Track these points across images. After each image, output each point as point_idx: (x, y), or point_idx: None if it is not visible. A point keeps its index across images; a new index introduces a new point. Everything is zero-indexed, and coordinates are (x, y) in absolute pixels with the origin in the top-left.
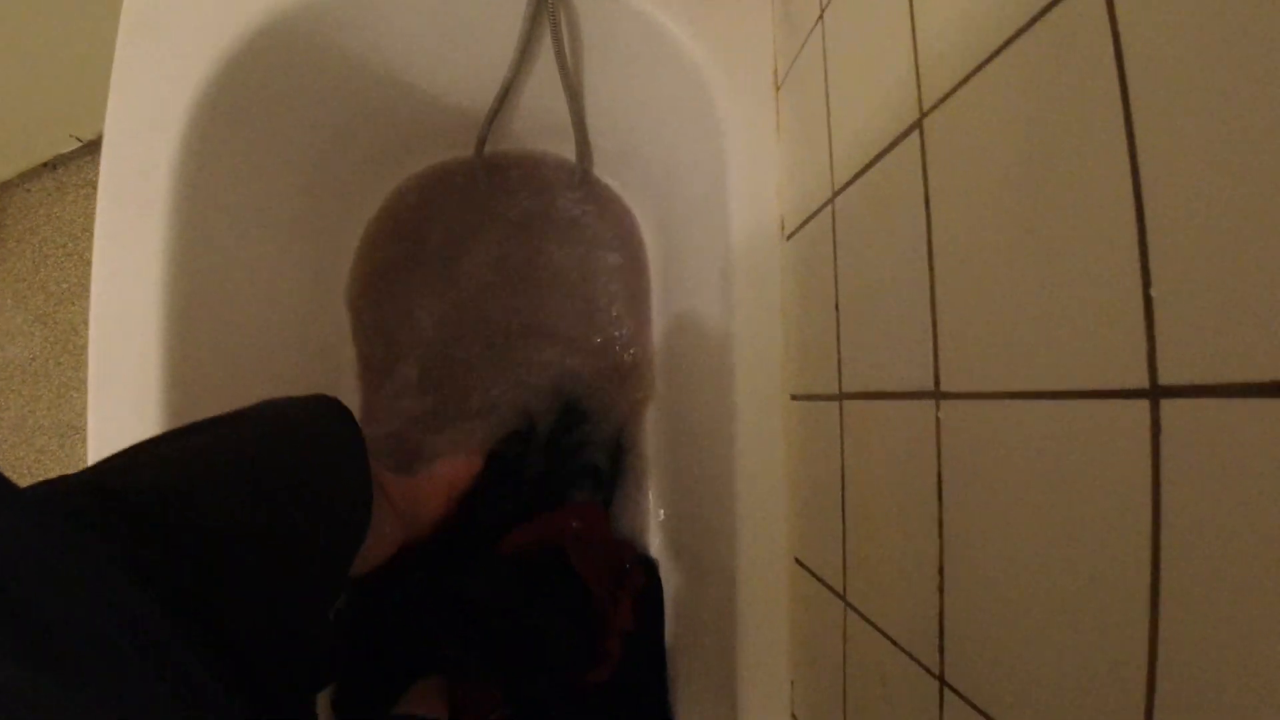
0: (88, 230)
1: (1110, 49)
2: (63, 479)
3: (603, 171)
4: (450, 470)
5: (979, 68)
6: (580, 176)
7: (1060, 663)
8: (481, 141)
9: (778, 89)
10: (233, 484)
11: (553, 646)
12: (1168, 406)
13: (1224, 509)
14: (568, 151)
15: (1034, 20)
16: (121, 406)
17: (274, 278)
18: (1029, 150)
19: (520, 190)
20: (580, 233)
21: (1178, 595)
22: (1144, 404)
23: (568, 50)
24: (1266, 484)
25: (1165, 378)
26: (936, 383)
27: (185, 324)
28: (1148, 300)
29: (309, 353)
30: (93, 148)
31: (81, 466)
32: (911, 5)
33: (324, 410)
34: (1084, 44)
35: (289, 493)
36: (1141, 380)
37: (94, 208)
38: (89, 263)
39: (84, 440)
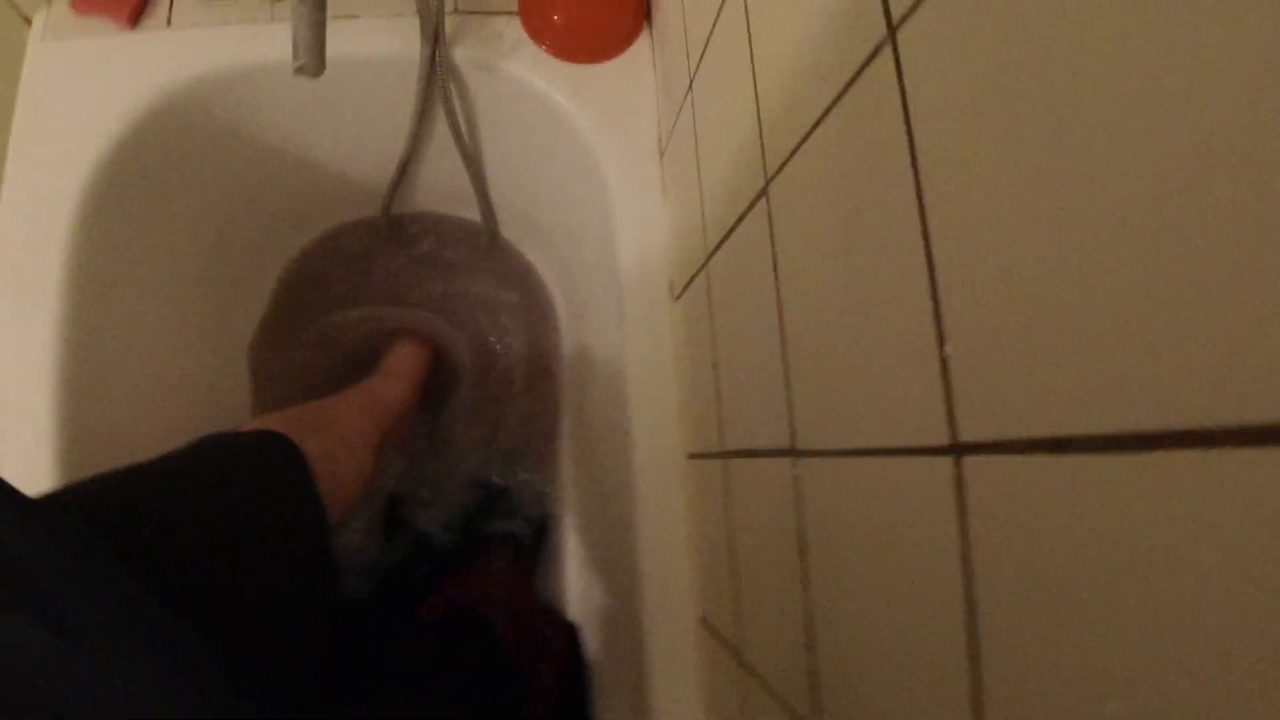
0: None
1: (901, 122)
2: (54, 493)
3: (509, 234)
4: (405, 360)
5: (806, 136)
6: (487, 240)
7: (907, 708)
8: (386, 208)
9: (662, 155)
10: (200, 498)
11: (472, 717)
12: (969, 463)
13: (1024, 560)
14: (474, 215)
15: (842, 93)
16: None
17: (174, 352)
18: (843, 217)
19: (429, 254)
20: (489, 296)
21: (994, 643)
22: (948, 460)
23: (462, 122)
24: (1055, 535)
25: (965, 435)
26: (793, 440)
27: (80, 399)
28: (943, 360)
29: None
30: None
31: None
32: (755, 75)
33: (266, 438)
34: (879, 112)
35: (250, 502)
36: (944, 438)
37: None
38: None
39: None
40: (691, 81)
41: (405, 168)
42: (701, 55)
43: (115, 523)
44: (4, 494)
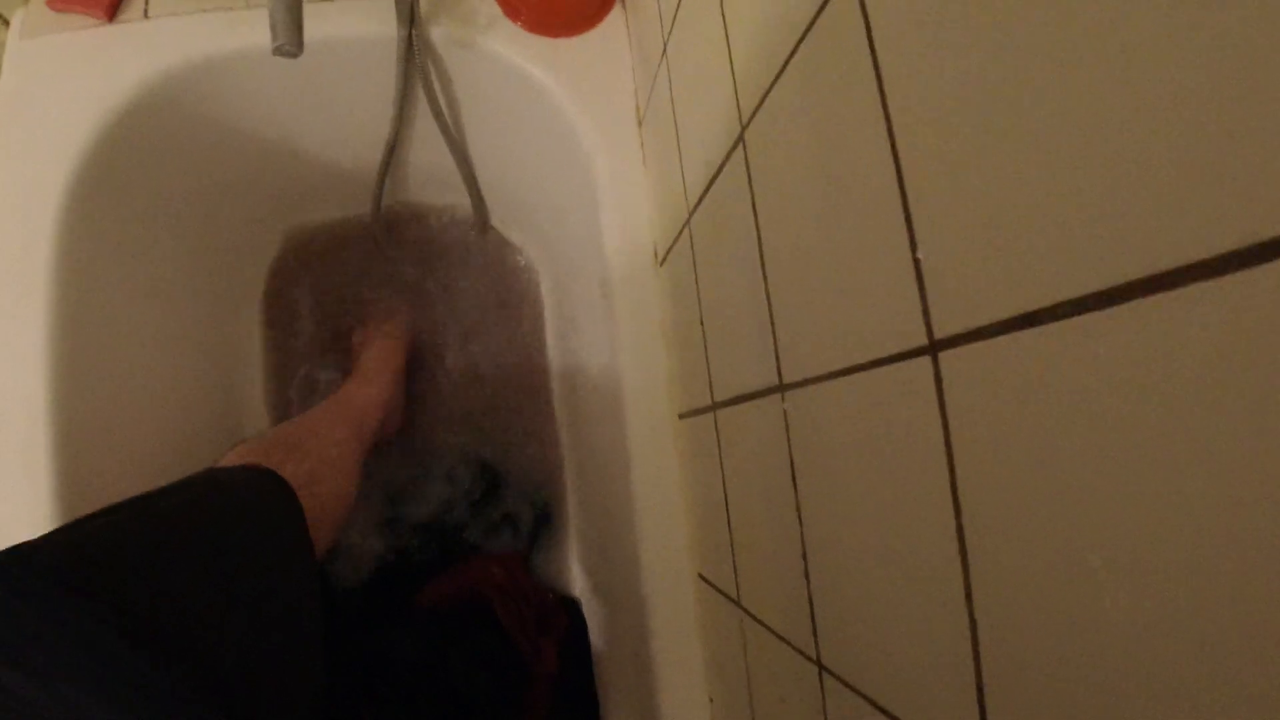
0: None
1: (865, 43)
2: (32, 543)
3: (498, 219)
4: (379, 359)
5: (778, 75)
6: (478, 228)
7: (897, 620)
8: (377, 198)
9: (640, 124)
10: (187, 545)
11: (476, 699)
12: (945, 358)
13: (1000, 438)
14: (464, 203)
15: (810, 26)
16: (11, 487)
17: (162, 346)
18: (817, 145)
19: (419, 243)
20: (480, 282)
21: (977, 528)
22: (926, 360)
23: (443, 103)
24: (1031, 409)
25: (940, 331)
26: (779, 376)
27: (73, 396)
28: (916, 263)
29: (207, 416)
30: None
31: None
32: (726, 28)
33: (255, 477)
34: (845, 42)
35: (237, 557)
36: (920, 339)
37: None
38: None
39: None
40: (665, 47)
41: (392, 152)
42: (674, 19)
43: (91, 575)
44: None
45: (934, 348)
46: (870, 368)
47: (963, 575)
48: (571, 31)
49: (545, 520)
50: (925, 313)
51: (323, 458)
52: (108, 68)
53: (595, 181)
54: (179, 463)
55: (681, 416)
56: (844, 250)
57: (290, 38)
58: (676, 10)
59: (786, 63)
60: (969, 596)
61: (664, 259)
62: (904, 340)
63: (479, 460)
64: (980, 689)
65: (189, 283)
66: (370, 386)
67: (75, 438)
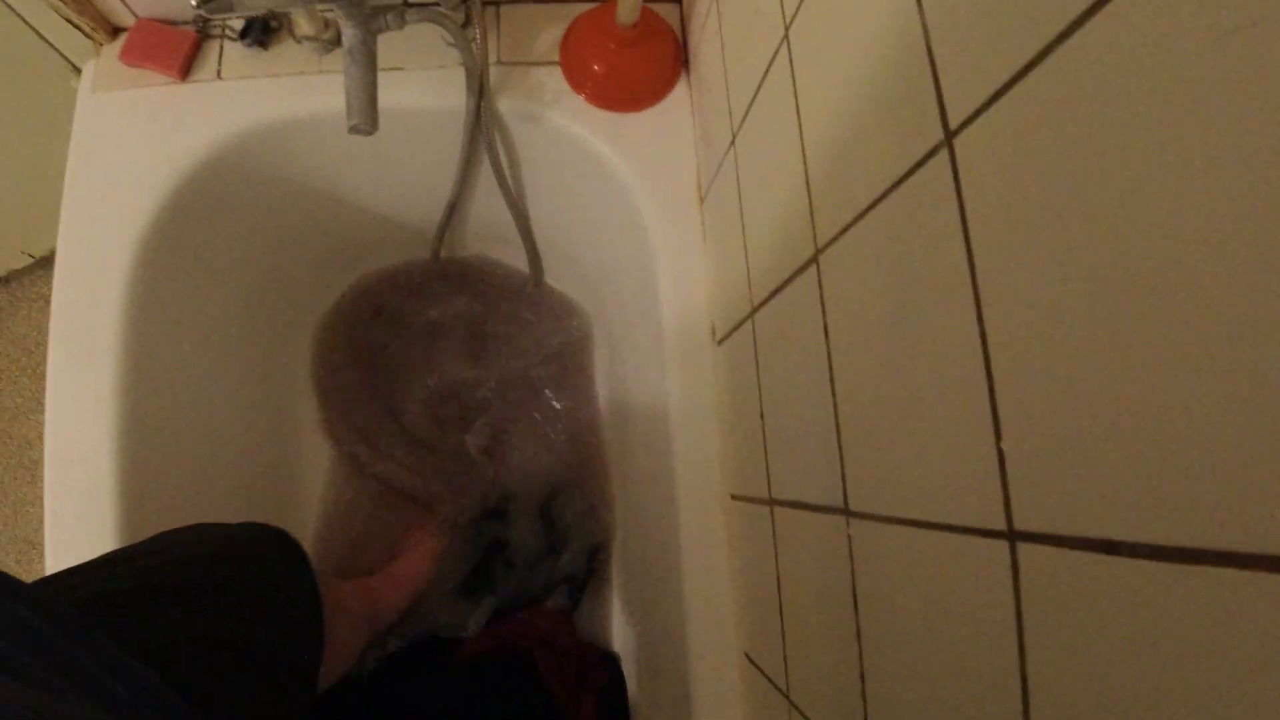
0: (41, 345)
1: (957, 216)
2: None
3: (553, 276)
4: (410, 566)
5: (858, 218)
6: (533, 284)
7: None
8: (436, 251)
9: (702, 201)
10: (205, 608)
11: None
12: (1024, 549)
13: (1076, 648)
14: (520, 257)
15: (896, 184)
16: (79, 528)
17: (229, 392)
18: (898, 297)
19: (475, 296)
20: (533, 337)
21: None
22: (1004, 544)
23: (506, 170)
24: (1104, 629)
25: (1020, 523)
26: (845, 501)
27: (138, 444)
28: (1000, 452)
29: (267, 462)
30: (45, 263)
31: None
32: (804, 151)
33: (262, 533)
34: (934, 209)
35: (239, 602)
36: (1000, 523)
37: (47, 322)
38: (42, 377)
39: (41, 555)
40: (734, 138)
41: (453, 211)
42: (745, 116)
43: (113, 610)
44: None
45: (1013, 536)
46: (944, 530)
47: None
48: (635, 106)
49: (592, 575)
50: (1006, 501)
51: (337, 624)
52: (180, 127)
53: (653, 252)
54: (233, 506)
55: (734, 497)
56: (922, 410)
57: (366, 118)
58: (749, 106)
59: (865, 212)
60: None
61: (723, 339)
62: (982, 518)
63: (550, 515)
64: None
65: (252, 332)
66: (395, 593)
67: (137, 484)
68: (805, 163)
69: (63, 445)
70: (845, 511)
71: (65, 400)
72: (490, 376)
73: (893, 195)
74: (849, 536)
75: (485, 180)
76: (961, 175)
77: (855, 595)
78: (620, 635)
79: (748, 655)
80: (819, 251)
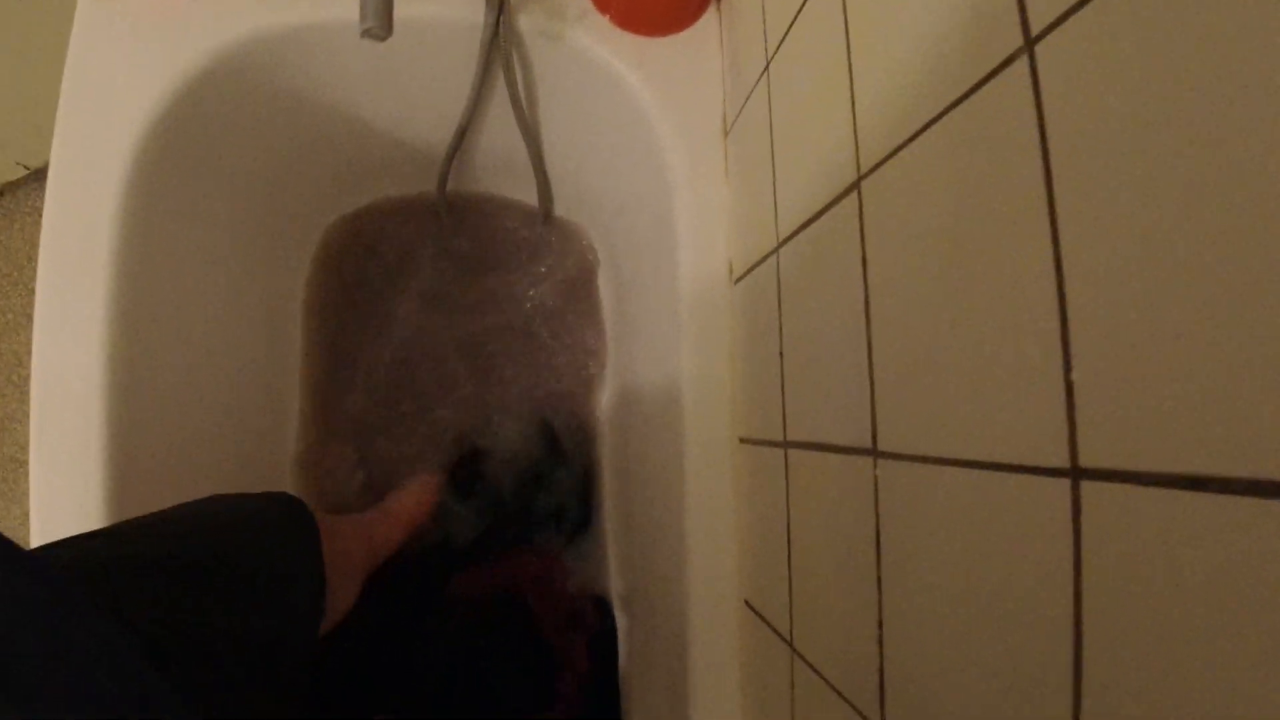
0: (34, 259)
1: (1035, 132)
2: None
3: (563, 208)
4: (407, 503)
5: (913, 137)
6: (542, 217)
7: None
8: (443, 179)
9: (726, 134)
10: (208, 588)
11: (504, 690)
12: (1088, 488)
13: (1139, 591)
14: (530, 190)
15: (964, 97)
16: (65, 449)
17: (224, 312)
18: (957, 223)
19: (481, 226)
20: (539, 270)
21: (1098, 669)
22: (1065, 483)
23: (522, 93)
24: (1174, 569)
25: (1085, 460)
26: (874, 440)
27: (130, 362)
28: (1069, 384)
29: (259, 385)
30: (40, 175)
31: (25, 502)
32: (851, 72)
33: (274, 505)
34: (1009, 124)
35: (250, 597)
36: (1063, 460)
37: (40, 236)
38: (34, 292)
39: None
40: (768, 64)
41: (463, 137)
42: (782, 39)
43: (104, 582)
44: None
45: (1076, 474)
46: (992, 469)
47: (1072, 712)
48: (662, 31)
49: (585, 520)
50: (1072, 435)
51: (334, 566)
52: (182, 33)
53: (672, 187)
54: (224, 432)
55: (743, 441)
56: (979, 343)
57: (380, 21)
58: (787, 31)
59: (921, 131)
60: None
61: (740, 278)
62: (1040, 455)
63: (543, 435)
64: None
65: (247, 252)
66: (392, 527)
67: (130, 404)
68: (851, 86)
69: (51, 363)
70: (873, 452)
71: (54, 316)
72: (492, 310)
73: (956, 111)
74: (875, 478)
75: (497, 106)
76: (1043, 85)
77: (878, 540)
78: (612, 583)
79: (748, 602)
80: (861, 178)
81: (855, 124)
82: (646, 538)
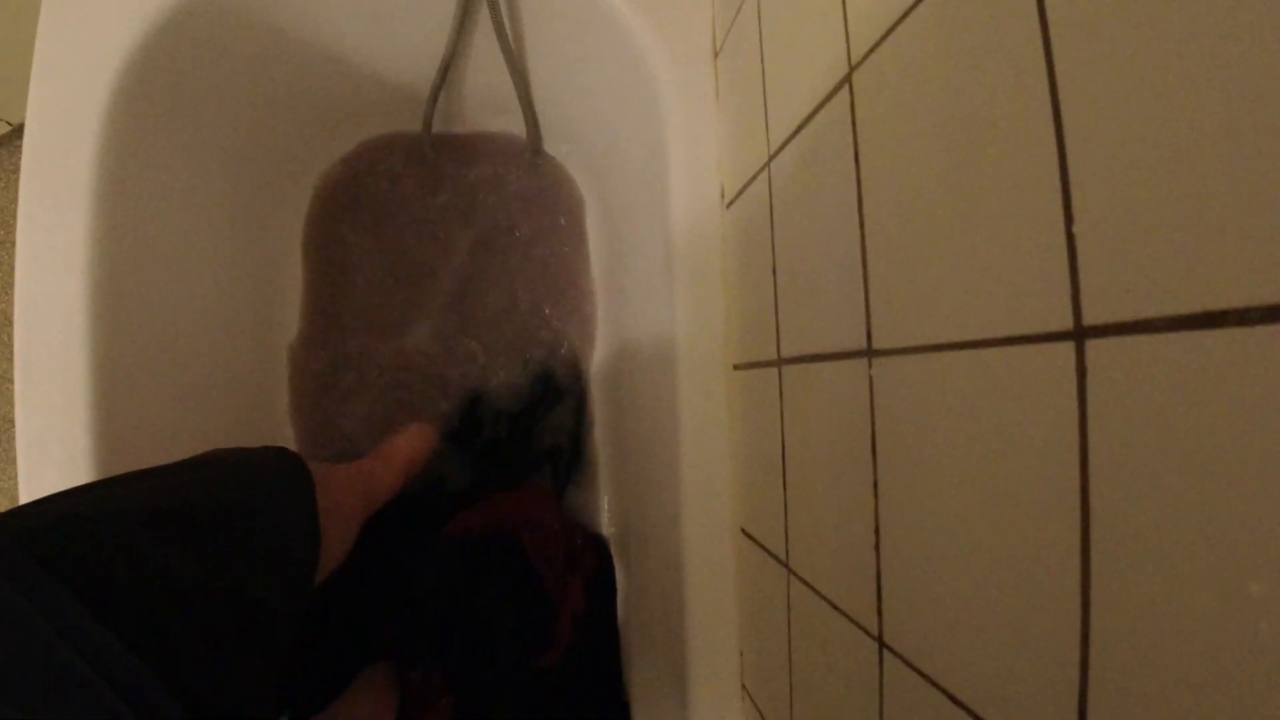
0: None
1: None
2: (8, 514)
3: (551, 145)
4: (403, 448)
5: (905, 14)
6: (530, 153)
7: (994, 617)
8: (428, 116)
9: (716, 56)
10: (178, 537)
11: (501, 632)
12: (1093, 347)
13: (1150, 445)
14: (517, 126)
15: None
16: (51, 401)
17: (208, 257)
18: (951, 98)
19: (468, 164)
20: (526, 208)
21: (1107, 538)
22: (1069, 346)
23: (506, 22)
24: (1191, 415)
25: (1090, 318)
26: (869, 340)
27: (113, 309)
28: (1070, 238)
29: (247, 331)
30: (22, 132)
31: (13, 460)
32: None
33: (270, 460)
34: None
35: (235, 547)
36: (1066, 322)
37: None
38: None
39: (14, 433)
40: None
41: (446, 72)
42: None
43: (68, 548)
44: None
45: (1080, 334)
46: (992, 345)
47: (1081, 587)
48: None
49: (576, 457)
50: (1075, 294)
51: (329, 516)
52: None
53: (662, 115)
54: (213, 374)
55: (736, 367)
56: (976, 215)
57: None
58: None
59: (916, 4)
60: (1086, 606)
61: (732, 201)
62: (1042, 321)
63: (536, 373)
64: (1083, 700)
65: (235, 193)
66: (387, 473)
67: (113, 342)
68: None
69: (34, 321)
70: (868, 353)
71: (35, 272)
72: (481, 250)
73: None
74: (870, 378)
75: (481, 40)
76: None
77: (874, 442)
78: (608, 519)
79: (744, 530)
80: (852, 70)
81: (845, 14)
82: (641, 476)
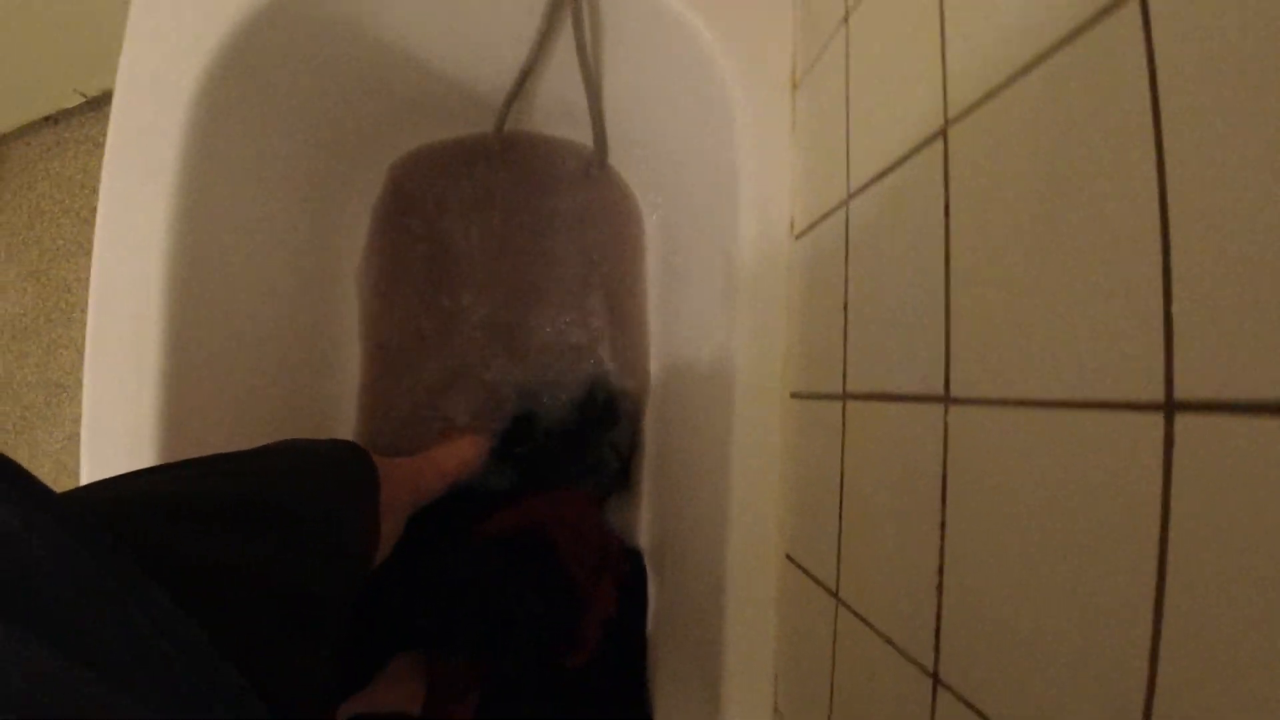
0: (86, 187)
1: (1145, 73)
2: (81, 489)
3: (616, 160)
4: (454, 456)
5: (1009, 81)
6: (596, 165)
7: (1058, 667)
8: (501, 120)
9: (795, 88)
10: (244, 528)
11: (530, 628)
12: (1182, 420)
13: (1233, 523)
14: (585, 137)
15: (1069, 39)
16: (121, 380)
17: (279, 245)
18: (1055, 165)
19: (533, 172)
20: (587, 219)
21: (1180, 605)
22: (1158, 417)
23: (588, 37)
24: (1273, 497)
25: (1181, 393)
26: (946, 388)
27: (188, 289)
28: (1168, 317)
29: (311, 322)
30: (96, 104)
31: (68, 426)
32: (942, 16)
33: (341, 456)
34: (1118, 65)
35: (297, 541)
36: (1157, 395)
37: (94, 165)
38: (85, 220)
39: (70, 399)
40: (848, 15)
41: (524, 81)
42: None
43: (152, 529)
44: (13, 480)
45: (1171, 406)
46: (1079, 407)
47: (1150, 652)
48: None
49: (625, 475)
50: (1168, 368)
51: (384, 511)
52: None
53: (736, 141)
54: (277, 360)
55: (794, 395)
56: (1069, 281)
57: None
58: None
59: (1026, 69)
60: (1153, 665)
61: (802, 233)
62: (1134, 390)
63: (591, 388)
64: None
65: (303, 185)
66: (434, 478)
67: (185, 323)
68: (942, 31)
69: (110, 281)
70: (945, 399)
71: (116, 238)
72: (537, 254)
73: (1060, 53)
74: (945, 424)
75: (559, 49)
76: (1154, 23)
77: (944, 485)
78: (646, 533)
79: (789, 556)
80: (948, 124)
81: (945, 71)
82: (685, 491)
